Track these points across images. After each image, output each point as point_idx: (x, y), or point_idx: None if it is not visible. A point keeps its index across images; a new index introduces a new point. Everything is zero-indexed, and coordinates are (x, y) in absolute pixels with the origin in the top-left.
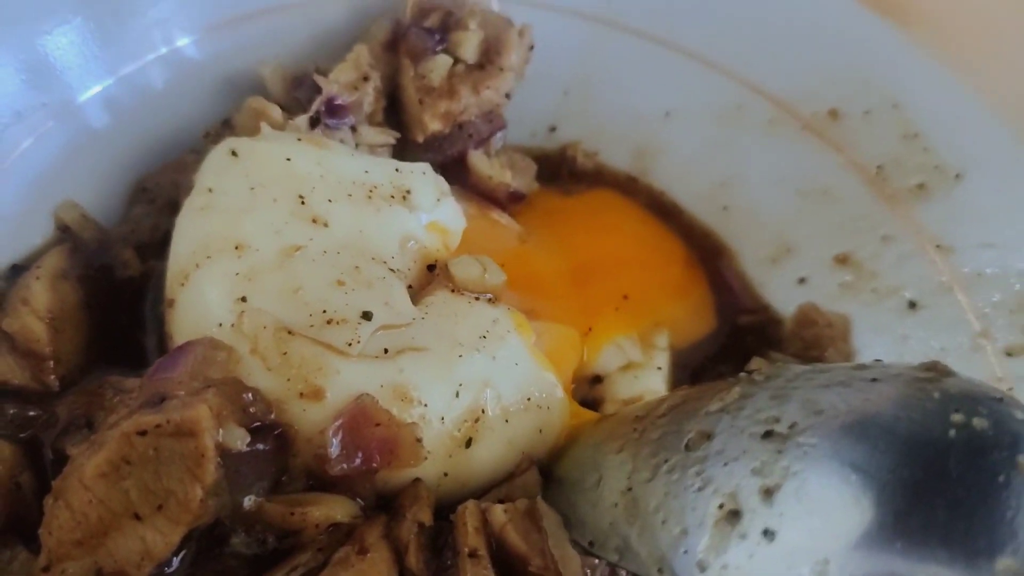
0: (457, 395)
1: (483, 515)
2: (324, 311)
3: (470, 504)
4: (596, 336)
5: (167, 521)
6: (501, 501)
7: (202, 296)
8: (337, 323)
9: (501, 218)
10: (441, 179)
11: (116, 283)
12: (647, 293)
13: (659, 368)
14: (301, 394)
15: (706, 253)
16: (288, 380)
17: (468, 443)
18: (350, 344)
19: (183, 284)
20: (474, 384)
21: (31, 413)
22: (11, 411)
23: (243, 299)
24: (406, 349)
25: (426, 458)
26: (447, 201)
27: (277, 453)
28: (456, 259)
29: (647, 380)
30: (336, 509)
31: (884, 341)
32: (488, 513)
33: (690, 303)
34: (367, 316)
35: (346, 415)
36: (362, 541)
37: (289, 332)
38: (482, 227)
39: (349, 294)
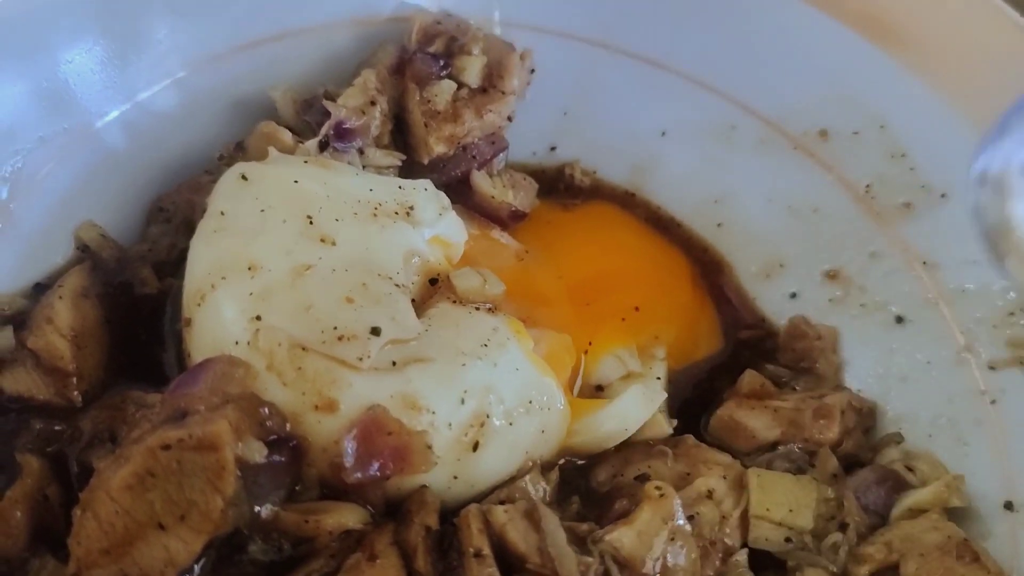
0: (463, 402)
1: (485, 516)
2: (335, 327)
3: (472, 507)
4: (596, 348)
5: (189, 530)
6: (503, 502)
7: (218, 315)
8: (348, 339)
9: (501, 237)
10: (442, 194)
11: (135, 300)
12: (655, 307)
13: (658, 378)
14: (316, 407)
15: (705, 268)
16: (303, 394)
17: (475, 447)
18: (361, 359)
19: (199, 304)
20: (478, 390)
21: (56, 428)
22: (38, 426)
23: (258, 317)
24: (413, 360)
25: (436, 463)
26: (448, 215)
27: (292, 464)
28: (458, 271)
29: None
30: (348, 516)
31: (872, 353)
32: (489, 514)
33: (698, 320)
34: (376, 332)
35: (359, 425)
36: (372, 547)
37: (303, 348)
38: (483, 247)
39: (358, 310)
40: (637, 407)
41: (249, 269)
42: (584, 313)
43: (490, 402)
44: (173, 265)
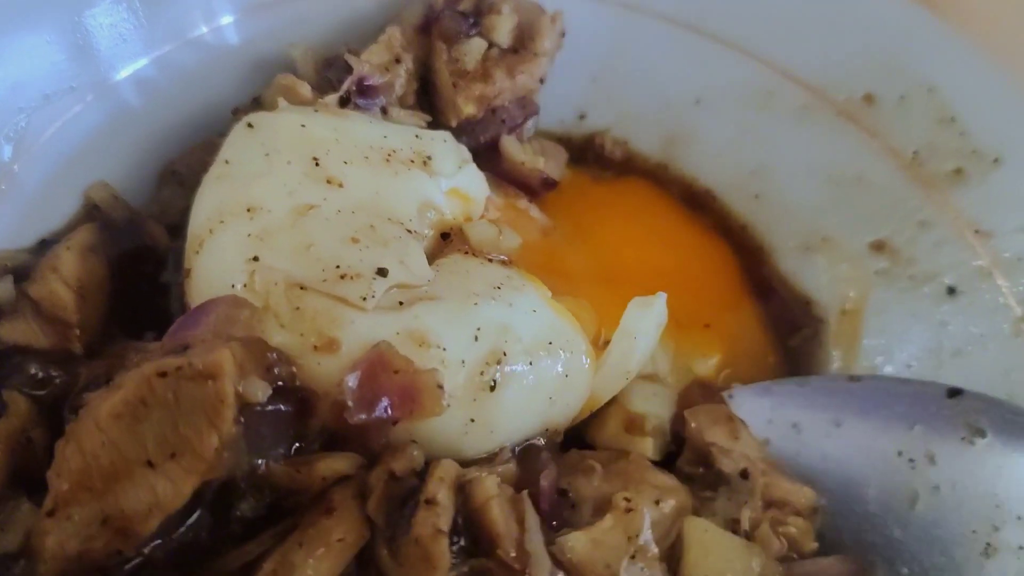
0: (476, 339)
1: (461, 478)
2: (337, 266)
3: (447, 460)
4: None
5: (180, 470)
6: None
7: (215, 260)
8: (351, 278)
9: (529, 209)
10: (463, 147)
11: (144, 260)
12: (699, 309)
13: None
14: (315, 347)
15: (746, 253)
16: (301, 335)
17: (493, 387)
18: (364, 299)
19: (198, 252)
20: (492, 327)
21: (54, 374)
22: (33, 370)
23: (255, 259)
24: (420, 299)
25: (448, 406)
26: (469, 168)
27: (298, 416)
28: (472, 222)
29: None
30: (340, 462)
31: (922, 327)
32: (476, 481)
33: (744, 330)
34: (382, 272)
35: (363, 362)
36: (330, 500)
37: (301, 287)
38: (509, 217)
39: (363, 251)
40: (636, 317)
41: (248, 211)
42: (613, 296)
43: (506, 341)
44: (185, 228)
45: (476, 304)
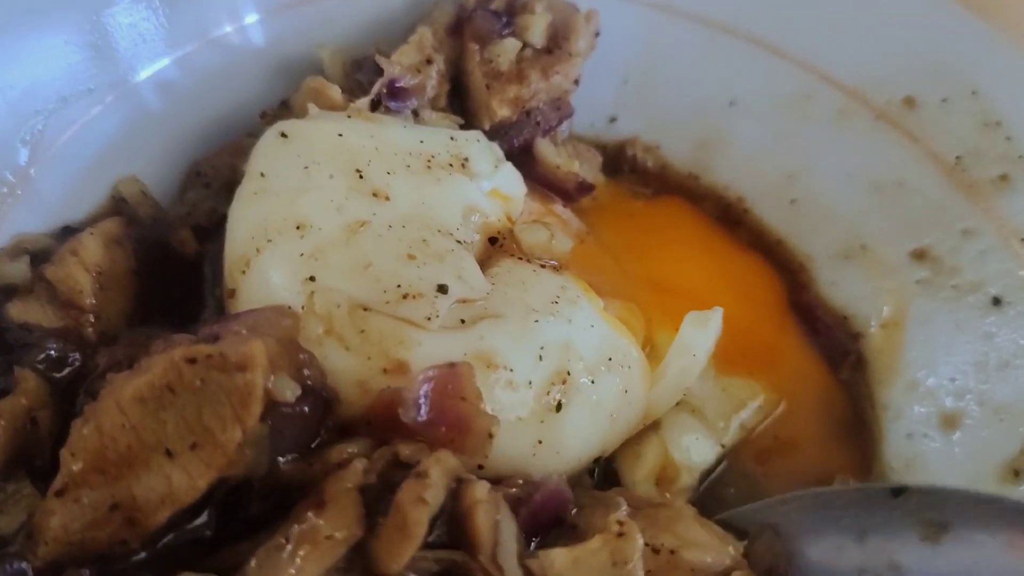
0: (540, 358)
1: (458, 474)
2: (399, 286)
3: (444, 452)
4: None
5: (199, 463)
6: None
7: (267, 280)
8: (413, 297)
9: (563, 213)
10: (495, 146)
11: (169, 259)
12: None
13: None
14: (384, 370)
15: (783, 269)
16: (369, 358)
17: (558, 407)
18: (429, 319)
19: (244, 272)
20: (555, 347)
21: (72, 355)
22: (51, 348)
23: (311, 279)
24: (482, 318)
25: (487, 457)
26: (505, 167)
27: (319, 418)
28: (524, 225)
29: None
30: (353, 446)
31: (967, 339)
32: (468, 483)
33: (791, 359)
34: (443, 289)
35: (441, 371)
36: (321, 492)
37: (365, 309)
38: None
39: (421, 268)
40: (694, 334)
41: (297, 228)
42: (658, 301)
43: (569, 359)
44: (213, 231)
45: (537, 322)
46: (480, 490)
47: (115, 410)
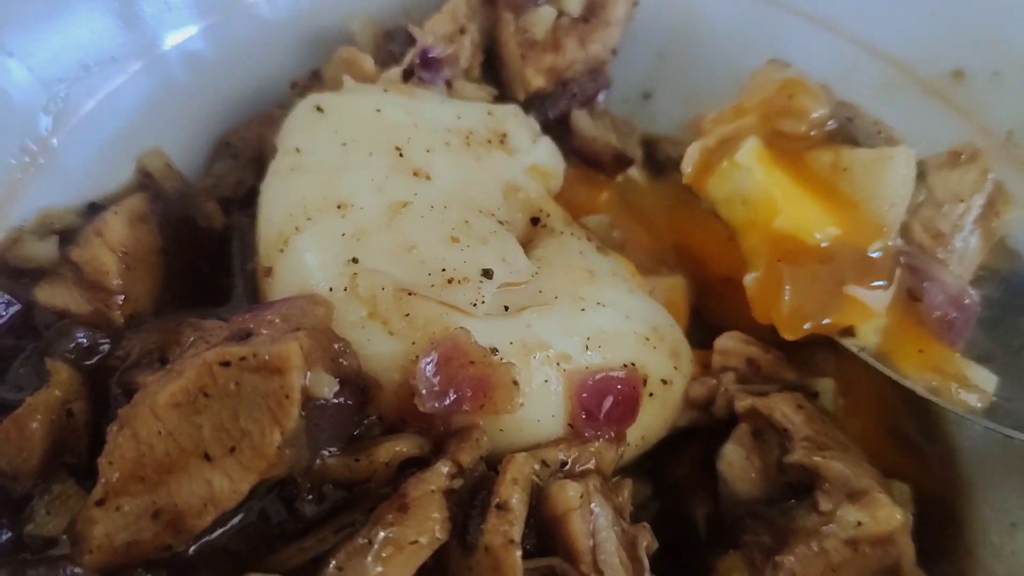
0: (587, 348)
1: (535, 476)
2: (443, 270)
3: (521, 455)
4: None
5: (238, 466)
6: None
7: (306, 260)
8: (459, 282)
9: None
10: (532, 119)
11: (196, 234)
12: None
13: None
14: None
15: None
16: (413, 343)
17: None
18: (474, 304)
19: (282, 250)
20: (601, 334)
21: (101, 341)
22: (79, 335)
23: (354, 260)
24: (528, 305)
25: (522, 404)
26: (543, 140)
27: (358, 409)
28: (589, 219)
29: None
30: (402, 444)
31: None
32: (558, 489)
33: None
34: (487, 274)
35: (439, 347)
36: (404, 496)
37: (409, 293)
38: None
39: (465, 251)
40: None
41: (338, 208)
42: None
43: (615, 347)
44: (240, 203)
45: (583, 310)
46: (570, 494)
47: (150, 416)
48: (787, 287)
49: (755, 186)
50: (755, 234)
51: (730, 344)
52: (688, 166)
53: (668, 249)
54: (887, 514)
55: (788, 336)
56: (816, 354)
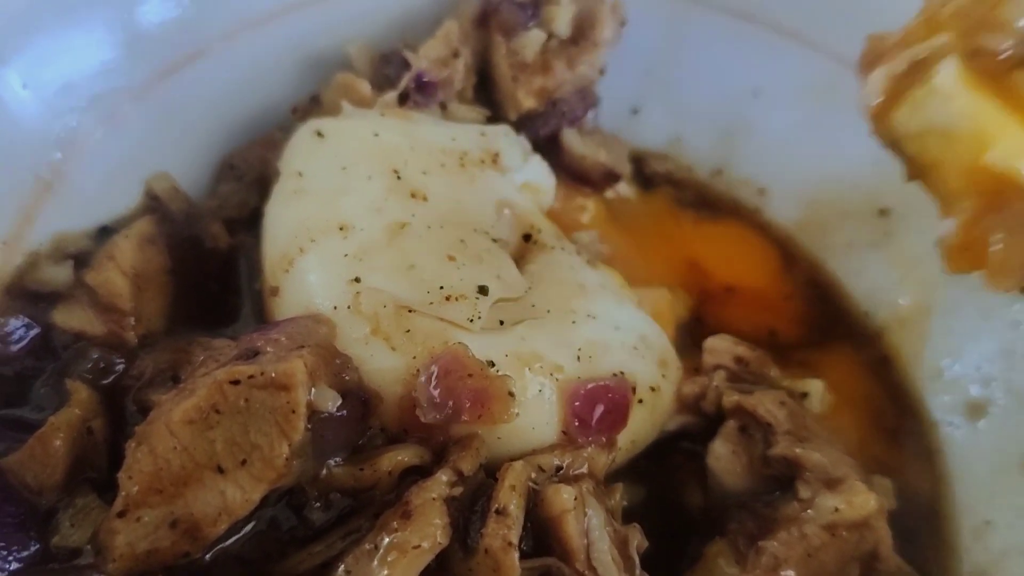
0: (578, 359)
1: (531, 481)
2: (441, 287)
3: (518, 463)
4: None
5: (249, 477)
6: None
7: (311, 280)
8: (456, 299)
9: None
10: (523, 138)
11: (203, 254)
12: None
13: None
14: None
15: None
16: (414, 358)
17: None
18: (471, 320)
19: (287, 270)
20: (592, 345)
21: (116, 361)
22: (95, 356)
23: (357, 279)
24: (521, 319)
25: (518, 414)
26: (534, 159)
27: (360, 420)
28: (578, 234)
29: None
30: (404, 453)
31: (994, 327)
32: (553, 492)
33: None
34: (483, 290)
35: (439, 361)
36: (407, 503)
37: (409, 310)
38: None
39: (462, 269)
40: None
41: (340, 229)
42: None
43: (605, 357)
44: (244, 223)
45: (575, 322)
46: (565, 497)
47: (165, 433)
48: (999, 234)
49: (959, 116)
50: (956, 173)
51: (719, 344)
52: (873, 97)
53: (658, 260)
54: (863, 500)
55: (999, 289)
56: (811, 355)
